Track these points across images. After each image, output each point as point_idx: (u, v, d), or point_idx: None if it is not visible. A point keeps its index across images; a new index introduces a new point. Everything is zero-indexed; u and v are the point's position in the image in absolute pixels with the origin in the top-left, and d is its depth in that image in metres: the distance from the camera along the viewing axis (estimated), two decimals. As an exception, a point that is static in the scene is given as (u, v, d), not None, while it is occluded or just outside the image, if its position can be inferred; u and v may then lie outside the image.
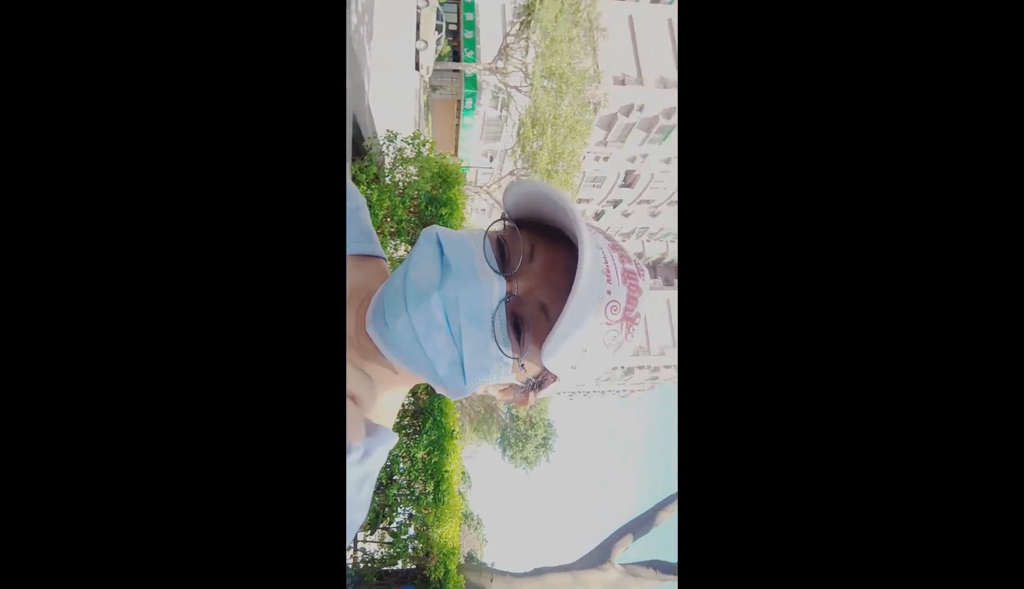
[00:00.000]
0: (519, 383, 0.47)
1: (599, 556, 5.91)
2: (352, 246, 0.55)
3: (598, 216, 22.84)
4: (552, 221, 0.45)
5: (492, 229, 0.47)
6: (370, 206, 3.41)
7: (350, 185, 0.58)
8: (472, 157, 16.44)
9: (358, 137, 3.70)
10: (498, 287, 0.42)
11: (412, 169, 3.74)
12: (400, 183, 3.68)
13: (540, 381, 0.47)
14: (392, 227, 3.63)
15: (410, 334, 0.42)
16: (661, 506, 6.24)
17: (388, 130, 3.83)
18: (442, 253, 0.43)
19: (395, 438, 0.55)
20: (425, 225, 3.71)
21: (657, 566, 5.74)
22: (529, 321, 0.42)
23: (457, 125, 15.23)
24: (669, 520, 6.24)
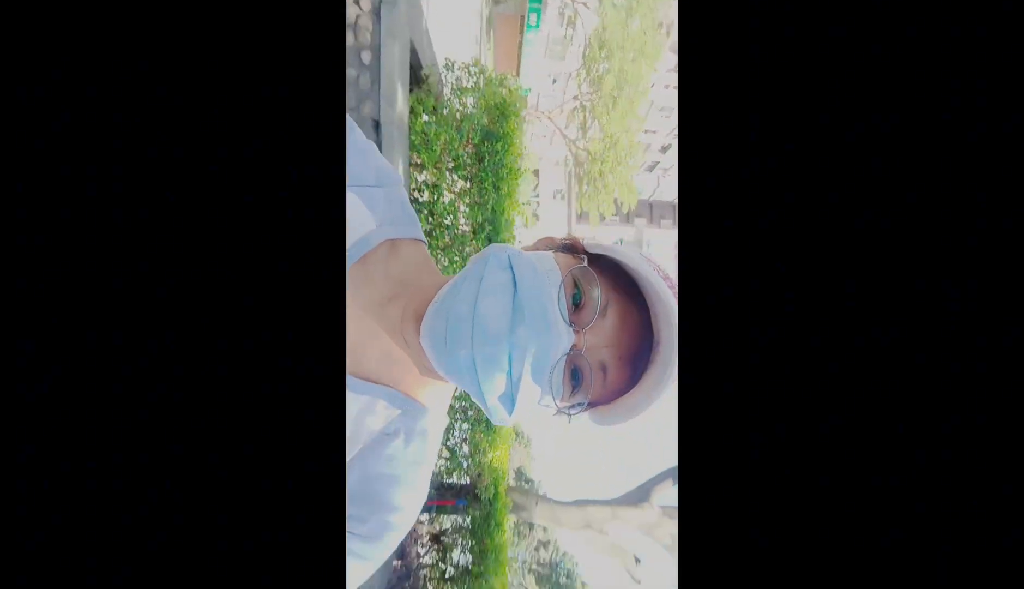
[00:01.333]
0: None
1: (639, 496, 6.10)
2: (396, 229, 0.53)
3: (664, 149, 21.40)
4: (629, 270, 0.43)
5: (567, 267, 0.44)
6: (427, 139, 3.34)
7: (383, 161, 0.55)
8: (534, 79, 15.62)
9: (416, 65, 3.58)
10: (566, 339, 0.41)
11: (469, 100, 3.61)
12: (457, 114, 3.57)
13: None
14: (450, 163, 3.58)
15: (470, 367, 0.42)
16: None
17: (447, 58, 3.68)
18: (515, 288, 0.42)
19: (444, 421, 0.55)
20: (481, 160, 3.64)
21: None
22: (588, 377, 0.43)
23: (520, 43, 14.36)
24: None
